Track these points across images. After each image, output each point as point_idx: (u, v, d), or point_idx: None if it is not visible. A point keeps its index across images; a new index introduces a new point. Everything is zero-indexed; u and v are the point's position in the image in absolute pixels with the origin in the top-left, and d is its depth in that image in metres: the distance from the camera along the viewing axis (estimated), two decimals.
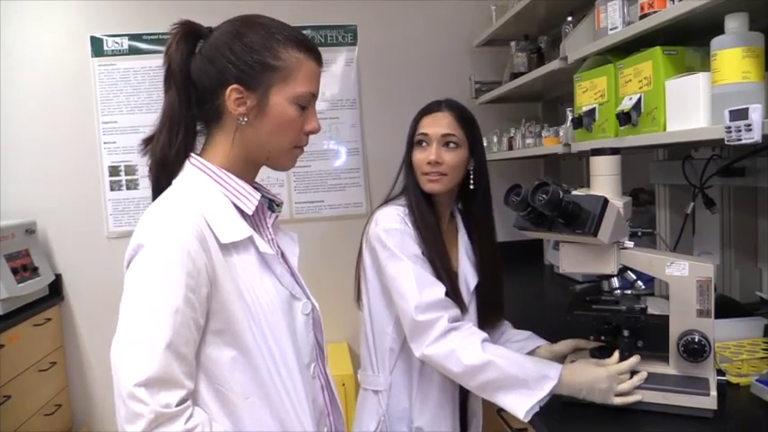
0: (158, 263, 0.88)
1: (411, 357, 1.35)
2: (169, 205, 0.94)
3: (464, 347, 1.24)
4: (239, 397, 0.93)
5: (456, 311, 1.32)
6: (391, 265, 1.35)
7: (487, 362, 1.22)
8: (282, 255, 1.09)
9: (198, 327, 0.90)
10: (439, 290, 1.32)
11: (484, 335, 1.29)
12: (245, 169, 1.02)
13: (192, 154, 1.01)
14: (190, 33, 1.00)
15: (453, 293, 1.38)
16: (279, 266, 1.01)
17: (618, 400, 1.19)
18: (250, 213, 0.99)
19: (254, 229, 1.02)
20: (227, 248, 0.94)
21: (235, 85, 0.95)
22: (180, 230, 0.89)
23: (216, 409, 0.93)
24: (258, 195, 1.01)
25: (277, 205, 1.11)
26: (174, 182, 0.98)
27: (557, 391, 1.21)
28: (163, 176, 0.99)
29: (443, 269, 1.38)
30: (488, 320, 1.50)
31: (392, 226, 1.37)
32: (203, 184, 0.98)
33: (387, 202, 1.49)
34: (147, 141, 1.01)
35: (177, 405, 0.85)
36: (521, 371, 1.21)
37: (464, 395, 1.48)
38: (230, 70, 0.95)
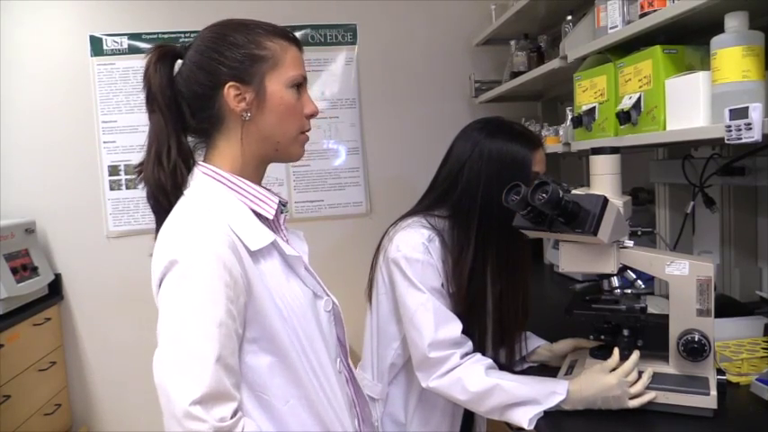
0: (197, 277, 0.87)
1: (412, 375, 1.34)
2: (194, 217, 0.92)
3: (468, 375, 1.23)
4: (280, 401, 0.94)
5: (468, 347, 1.30)
6: (410, 296, 1.30)
7: (494, 386, 1.21)
8: None
9: (238, 336, 0.90)
10: (455, 327, 1.29)
11: (488, 361, 1.28)
12: (255, 171, 1.03)
13: (200, 162, 1.00)
14: (166, 55, 1.00)
15: (481, 328, 1.36)
16: (300, 268, 1.02)
17: (634, 403, 1.18)
18: (270, 218, 0.99)
19: (273, 231, 1.02)
20: (255, 255, 0.94)
21: (231, 83, 0.96)
22: (213, 242, 0.89)
23: (259, 416, 0.93)
24: (276, 199, 1.01)
25: (283, 205, 1.10)
26: (187, 192, 0.97)
27: (571, 407, 1.19)
28: (162, 197, 0.98)
29: (476, 305, 1.34)
30: (508, 332, 1.41)
31: (414, 256, 1.31)
32: (218, 192, 0.97)
33: (409, 214, 1.42)
34: (139, 166, 1.00)
35: (231, 417, 0.85)
36: (529, 390, 1.20)
37: (467, 413, 1.45)
38: (222, 70, 0.96)
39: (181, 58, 1.01)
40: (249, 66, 0.97)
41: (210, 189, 0.97)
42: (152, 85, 0.98)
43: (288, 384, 0.94)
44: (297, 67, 1.01)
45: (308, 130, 1.05)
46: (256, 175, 1.03)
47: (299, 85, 1.01)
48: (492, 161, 1.33)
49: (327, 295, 1.07)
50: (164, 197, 0.97)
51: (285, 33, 1.01)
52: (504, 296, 1.36)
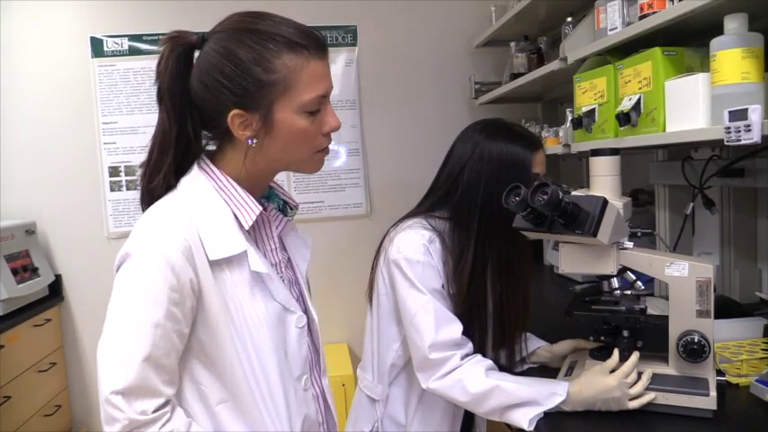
0: (141, 276, 0.87)
1: (413, 375, 1.34)
2: (162, 215, 0.92)
3: (468, 376, 1.24)
4: (215, 400, 0.94)
5: (469, 348, 1.30)
6: (411, 297, 1.30)
7: (494, 387, 1.21)
8: (289, 260, 1.07)
9: (182, 336, 0.90)
10: (456, 328, 1.29)
11: (489, 363, 1.28)
12: (260, 180, 1.00)
13: (203, 157, 0.98)
14: (179, 46, 0.93)
15: (481, 329, 1.36)
16: (272, 282, 0.98)
17: (634, 404, 1.18)
18: (246, 228, 0.95)
19: (256, 239, 1.00)
20: (218, 263, 0.92)
21: (235, 111, 0.90)
22: (165, 245, 0.88)
23: (198, 409, 0.94)
24: (258, 209, 0.96)
25: (291, 209, 1.08)
26: (180, 183, 0.96)
27: (570, 408, 1.20)
28: (148, 203, 0.97)
29: (476, 306, 1.34)
30: (508, 333, 1.41)
31: (414, 257, 1.31)
32: (206, 190, 0.95)
33: (410, 216, 1.42)
34: (142, 166, 0.98)
35: (154, 411, 0.86)
36: (529, 391, 1.20)
37: (467, 414, 1.45)
38: (226, 95, 0.90)
39: (198, 49, 0.94)
40: (255, 91, 0.90)
41: (199, 187, 0.95)
42: (162, 82, 0.94)
43: (227, 390, 0.94)
44: (313, 87, 0.91)
45: (326, 146, 0.98)
46: (262, 182, 1.01)
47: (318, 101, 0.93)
48: (492, 162, 1.33)
49: (304, 311, 1.04)
50: (150, 202, 0.97)
51: (301, 44, 0.90)
52: (505, 297, 1.37)
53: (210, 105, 0.93)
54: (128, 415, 0.85)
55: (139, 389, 0.86)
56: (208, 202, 0.94)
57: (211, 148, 1.01)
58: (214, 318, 0.91)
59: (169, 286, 0.87)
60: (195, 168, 0.97)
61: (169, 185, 0.97)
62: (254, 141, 0.93)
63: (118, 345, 0.88)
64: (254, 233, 1.01)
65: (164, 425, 0.87)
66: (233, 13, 0.96)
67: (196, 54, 0.95)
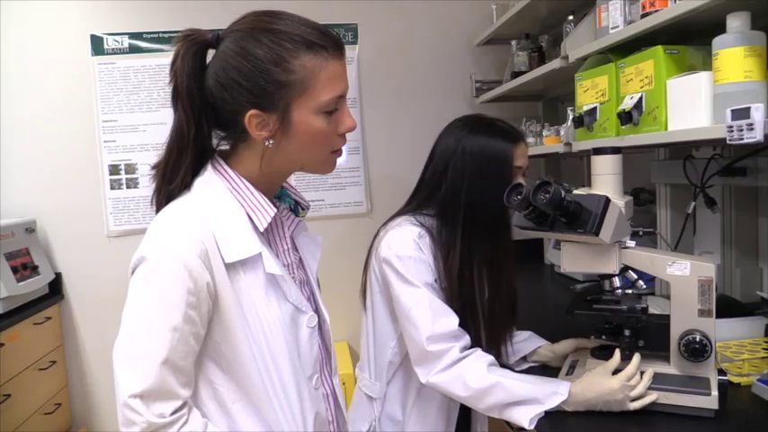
0: (159, 280, 0.87)
1: (410, 372, 1.34)
2: (177, 217, 0.91)
3: (469, 371, 1.23)
4: (229, 401, 0.94)
5: (466, 340, 1.30)
6: (405, 292, 1.30)
7: (495, 383, 1.20)
8: (301, 260, 1.08)
9: (198, 338, 0.90)
10: (452, 320, 1.28)
11: (490, 358, 1.27)
12: (274, 181, 1.00)
13: (217, 157, 0.98)
14: (195, 44, 0.93)
15: (474, 327, 1.36)
16: (286, 283, 0.98)
17: (635, 405, 1.18)
18: (261, 230, 0.95)
19: (269, 240, 1.00)
20: (233, 265, 0.92)
21: (252, 111, 0.90)
22: (182, 248, 0.88)
23: (213, 408, 0.94)
24: (273, 212, 0.96)
25: (302, 209, 1.08)
26: (194, 184, 0.96)
27: (572, 408, 1.19)
28: (164, 203, 0.96)
29: (468, 302, 1.34)
30: (498, 331, 1.42)
31: (406, 253, 1.32)
32: (220, 192, 0.95)
33: (398, 214, 1.44)
34: (156, 167, 0.97)
35: (172, 414, 0.87)
36: (531, 389, 1.19)
37: (464, 410, 1.45)
38: (244, 95, 0.90)
39: (213, 48, 0.93)
40: (273, 92, 0.89)
41: (213, 188, 0.95)
42: (178, 81, 0.92)
43: (239, 389, 0.94)
44: (331, 88, 0.91)
45: (340, 147, 0.98)
46: (277, 182, 1.02)
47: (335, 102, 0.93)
48: (474, 158, 1.34)
49: (315, 311, 1.04)
50: (167, 203, 0.96)
51: (322, 44, 0.90)
52: (491, 295, 1.37)
53: (227, 105, 0.92)
54: (146, 418, 0.85)
55: (158, 392, 0.86)
56: (222, 204, 0.94)
57: (224, 147, 1.00)
58: (229, 320, 0.91)
59: (186, 290, 0.87)
60: (209, 169, 0.97)
61: (185, 185, 0.96)
62: (271, 142, 0.93)
63: (136, 348, 0.87)
64: (267, 234, 1.01)
65: (181, 427, 0.87)
66: (248, 12, 0.95)
67: (209, 53, 0.95)
